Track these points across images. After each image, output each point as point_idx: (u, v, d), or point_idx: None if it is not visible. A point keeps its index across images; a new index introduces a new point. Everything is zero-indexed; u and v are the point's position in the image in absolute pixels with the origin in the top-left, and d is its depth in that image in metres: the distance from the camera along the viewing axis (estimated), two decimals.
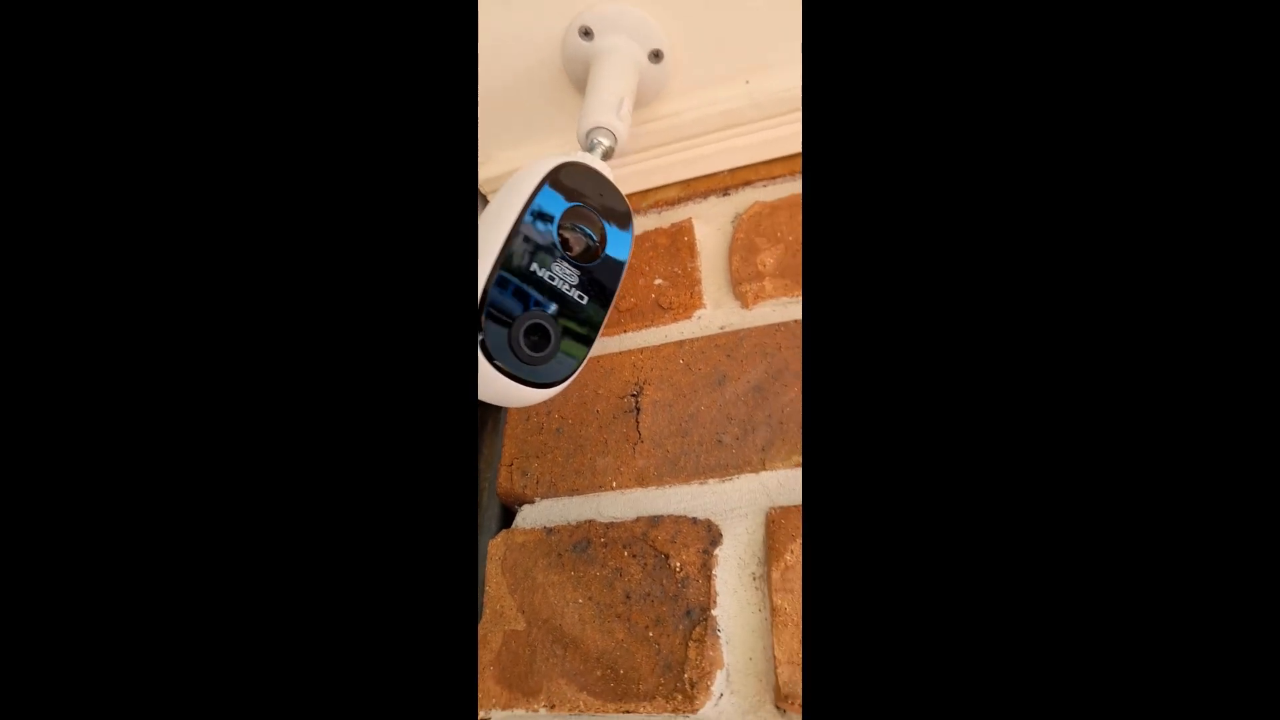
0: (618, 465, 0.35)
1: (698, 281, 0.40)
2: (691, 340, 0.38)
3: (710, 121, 0.41)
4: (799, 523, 0.30)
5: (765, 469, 0.32)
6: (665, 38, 0.37)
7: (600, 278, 0.30)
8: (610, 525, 0.33)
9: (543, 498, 0.36)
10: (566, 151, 0.33)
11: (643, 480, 0.34)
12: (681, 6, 0.36)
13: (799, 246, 0.39)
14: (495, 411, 0.42)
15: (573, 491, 0.35)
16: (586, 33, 0.37)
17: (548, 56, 0.39)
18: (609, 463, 0.35)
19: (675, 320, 0.39)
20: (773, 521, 0.30)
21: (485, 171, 0.46)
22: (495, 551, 0.34)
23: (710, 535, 0.31)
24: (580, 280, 0.29)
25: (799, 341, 0.35)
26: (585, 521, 0.34)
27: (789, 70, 0.39)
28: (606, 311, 0.30)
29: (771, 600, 0.28)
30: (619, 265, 0.31)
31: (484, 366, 0.26)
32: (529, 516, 0.36)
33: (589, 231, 0.30)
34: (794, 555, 0.29)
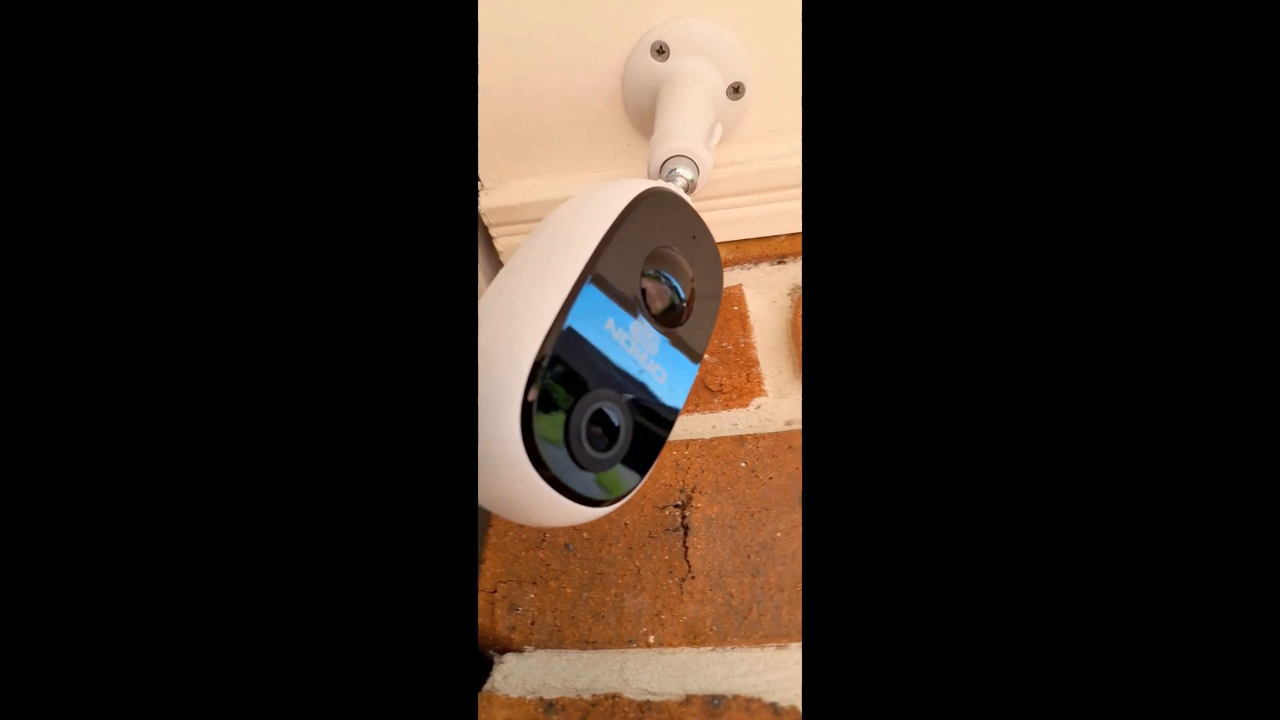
0: (657, 610, 0.25)
1: (755, 363, 0.33)
2: (755, 437, 0.29)
3: (777, 177, 0.35)
4: None
5: None
6: (750, 70, 0.31)
7: (683, 347, 0.21)
8: (646, 706, 0.22)
9: (539, 647, 0.25)
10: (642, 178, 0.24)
11: (695, 636, 0.24)
12: (773, 35, 0.30)
13: None
14: None
15: (587, 643, 0.24)
16: (661, 50, 0.30)
17: (606, 76, 0.31)
18: (644, 604, 0.25)
19: (727, 407, 0.31)
20: None
21: (492, 200, 0.37)
22: None
23: None
24: (661, 349, 0.20)
25: None
26: (608, 695, 0.23)
27: None
28: (687, 395, 0.21)
29: None
30: (707, 331, 0.22)
31: (521, 469, 0.17)
32: (515, 675, 0.24)
33: (676, 284, 0.21)
34: None
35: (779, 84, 0.32)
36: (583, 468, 0.18)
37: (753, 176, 0.34)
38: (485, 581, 0.27)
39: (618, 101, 0.33)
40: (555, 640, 0.25)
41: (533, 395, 0.17)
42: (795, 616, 0.24)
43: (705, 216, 0.34)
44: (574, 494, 0.18)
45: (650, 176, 0.27)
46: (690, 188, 0.26)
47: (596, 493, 0.18)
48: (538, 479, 0.17)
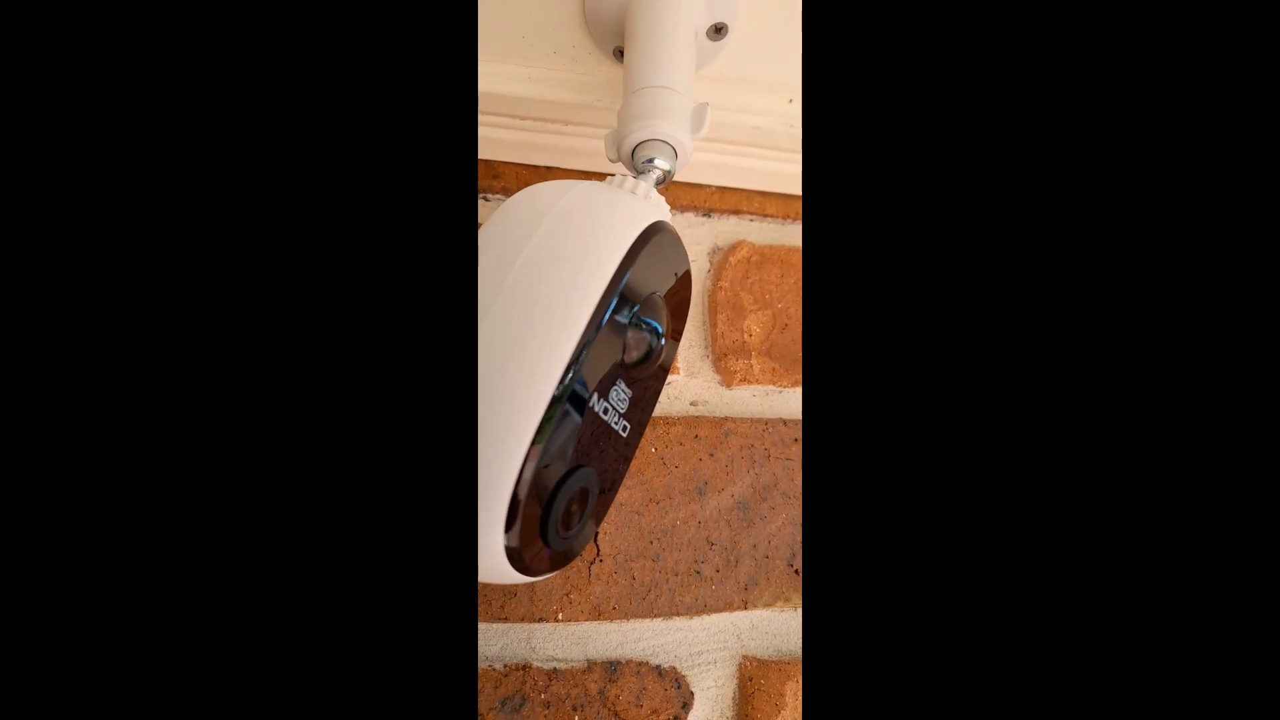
0: (566, 589, 0.27)
1: None
2: (664, 420, 0.30)
3: (728, 131, 0.32)
4: (781, 686, 0.27)
5: (745, 609, 0.28)
6: (736, 12, 0.26)
7: (645, 394, 0.20)
8: (553, 674, 0.25)
9: None
10: (612, 180, 0.21)
11: (599, 611, 0.27)
12: None
13: (790, 318, 0.34)
14: None
15: (498, 617, 0.26)
16: None
17: None
18: (555, 584, 0.27)
19: None
20: (747, 679, 0.27)
21: None
22: None
23: (681, 695, 0.26)
24: (629, 406, 0.19)
25: (790, 450, 0.31)
26: (518, 665, 0.25)
27: None
28: (636, 447, 0.21)
29: None
30: (664, 375, 0.22)
31: (497, 555, 0.16)
32: None
33: (654, 327, 0.20)
34: None
35: (759, 34, 0.28)
36: (556, 549, 0.17)
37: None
38: None
39: (576, 2, 0.26)
40: None
41: (519, 491, 0.15)
42: (687, 597, 0.28)
43: None
44: (533, 567, 0.18)
45: (619, 158, 0.23)
46: (665, 179, 0.23)
47: (559, 561, 0.18)
48: (515, 573, 0.17)
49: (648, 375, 0.20)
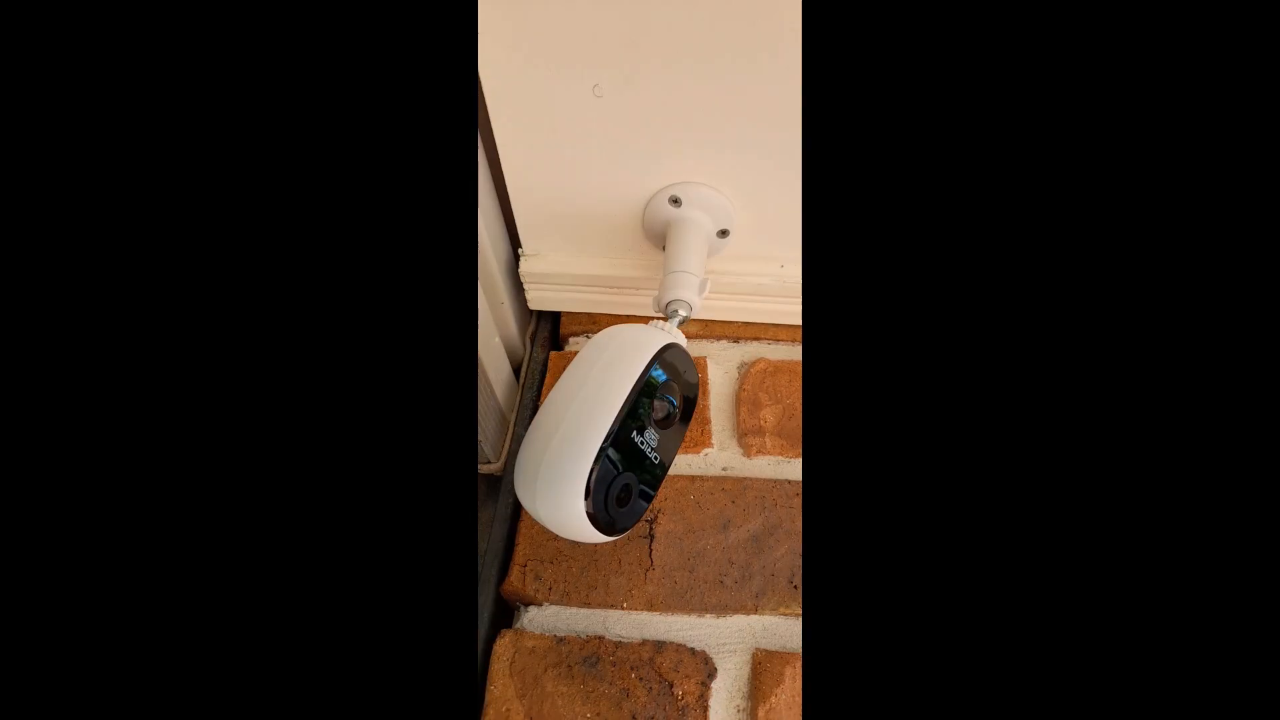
0: (630, 587, 0.39)
1: (708, 420, 0.47)
2: (701, 478, 0.43)
3: (743, 287, 0.48)
4: (782, 669, 0.37)
5: (756, 613, 0.39)
6: (735, 220, 0.44)
7: (670, 442, 0.35)
8: (619, 645, 0.37)
9: (553, 604, 0.39)
10: (654, 323, 0.37)
11: (652, 605, 0.39)
12: (753, 197, 0.43)
13: (795, 410, 0.47)
14: (497, 501, 0.44)
15: (584, 604, 0.39)
16: (675, 201, 0.42)
17: (633, 206, 0.43)
18: (622, 583, 0.39)
19: (685, 452, 0.45)
20: (759, 664, 0.37)
21: (533, 265, 0.49)
22: (503, 652, 0.37)
23: (708, 669, 0.37)
24: (658, 443, 0.34)
25: (792, 500, 0.43)
26: (595, 637, 0.38)
27: None
28: (667, 471, 0.35)
29: None
30: (683, 431, 0.36)
31: (577, 505, 0.30)
32: (536, 620, 0.39)
33: (672, 401, 0.35)
34: (778, 699, 0.35)
35: (752, 231, 0.45)
36: (609, 515, 0.31)
37: (725, 284, 0.48)
38: (517, 558, 0.40)
39: (638, 221, 0.45)
40: (564, 601, 0.39)
41: (595, 467, 0.30)
42: (713, 599, 0.39)
43: None
44: (601, 527, 0.31)
45: (657, 306, 0.39)
46: (684, 321, 0.39)
47: (614, 527, 0.32)
48: (584, 516, 0.31)
49: (670, 429, 0.35)
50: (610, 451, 0.30)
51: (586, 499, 0.30)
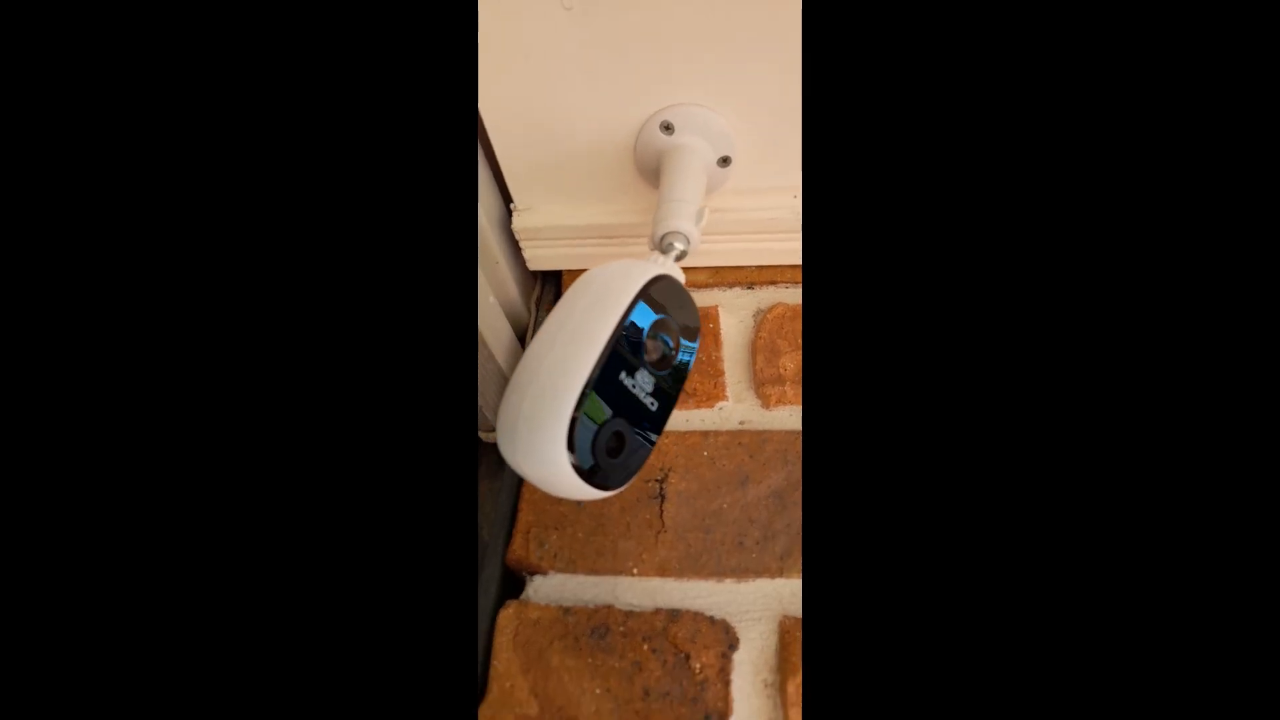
0: (639, 551, 0.36)
1: (721, 373, 0.43)
2: (715, 433, 0.40)
3: (753, 224, 0.43)
4: None
5: (782, 576, 0.35)
6: (736, 146, 0.39)
7: (669, 385, 0.31)
8: (630, 614, 0.34)
9: (558, 572, 0.36)
10: (648, 258, 0.34)
11: (664, 571, 0.35)
12: (756, 118, 0.38)
13: None
14: (504, 469, 0.42)
15: (592, 571, 0.36)
16: (667, 127, 0.38)
17: (624, 139, 0.40)
18: (631, 547, 0.36)
19: (698, 407, 0.41)
20: (786, 632, 0.33)
21: (527, 220, 0.45)
22: (506, 624, 0.34)
23: (729, 639, 0.33)
24: (654, 388, 0.30)
25: None
26: (604, 606, 0.34)
27: None
28: (668, 418, 0.31)
29: (786, 715, 0.30)
30: (685, 371, 0.32)
31: (560, 458, 0.27)
32: (542, 590, 0.36)
33: (668, 340, 0.31)
34: None
35: (757, 158, 0.40)
36: (600, 468, 0.28)
37: (733, 222, 0.43)
38: (520, 525, 0.38)
39: (629, 156, 0.41)
40: (570, 569, 0.36)
41: (576, 415, 0.27)
42: (731, 561, 0.35)
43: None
44: (593, 482, 0.28)
45: (652, 243, 0.35)
46: (681, 257, 0.35)
47: (606, 482, 0.29)
48: (570, 469, 0.27)
49: (668, 374, 0.31)
50: (593, 396, 0.27)
51: (571, 451, 0.27)
